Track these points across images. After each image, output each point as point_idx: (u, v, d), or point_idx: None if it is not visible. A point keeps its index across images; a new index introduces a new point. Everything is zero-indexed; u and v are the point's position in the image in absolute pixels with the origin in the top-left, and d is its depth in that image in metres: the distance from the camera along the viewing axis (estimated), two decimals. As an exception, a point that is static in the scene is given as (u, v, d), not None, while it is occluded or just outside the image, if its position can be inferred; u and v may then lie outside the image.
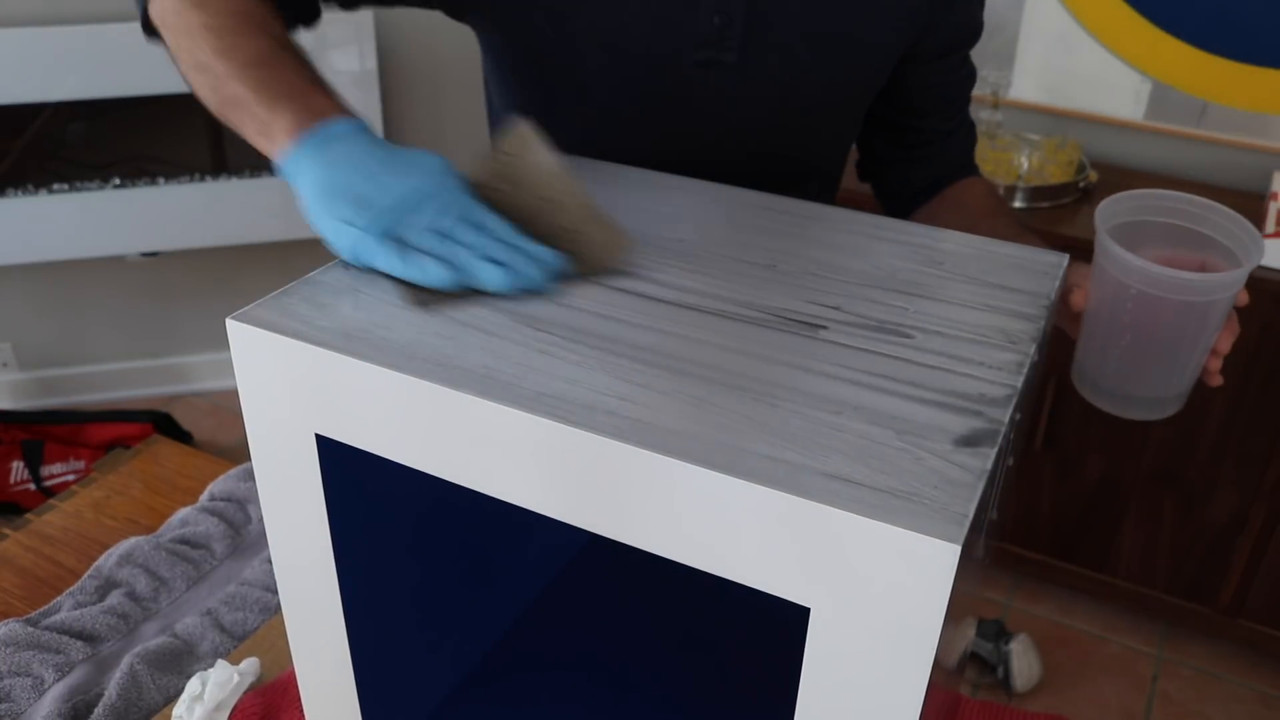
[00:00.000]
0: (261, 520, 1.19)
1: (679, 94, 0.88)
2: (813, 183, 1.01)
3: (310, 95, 0.69)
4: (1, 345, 2.50)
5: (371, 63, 2.22)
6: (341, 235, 0.62)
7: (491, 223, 0.64)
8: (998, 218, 0.96)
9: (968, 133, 1.05)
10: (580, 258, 0.64)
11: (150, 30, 0.81)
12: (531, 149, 0.68)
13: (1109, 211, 0.73)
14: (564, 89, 0.90)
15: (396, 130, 2.38)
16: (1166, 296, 0.69)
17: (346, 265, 0.64)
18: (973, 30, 0.98)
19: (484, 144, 0.66)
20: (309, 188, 0.64)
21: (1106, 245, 0.70)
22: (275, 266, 2.50)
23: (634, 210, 0.73)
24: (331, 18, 0.91)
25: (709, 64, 0.86)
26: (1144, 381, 0.76)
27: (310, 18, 0.88)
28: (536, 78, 0.91)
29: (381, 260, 0.61)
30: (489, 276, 0.60)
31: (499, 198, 0.67)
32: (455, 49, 2.16)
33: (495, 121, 1.02)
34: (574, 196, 0.67)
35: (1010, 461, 0.60)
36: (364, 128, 0.68)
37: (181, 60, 0.77)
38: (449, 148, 2.42)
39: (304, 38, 0.82)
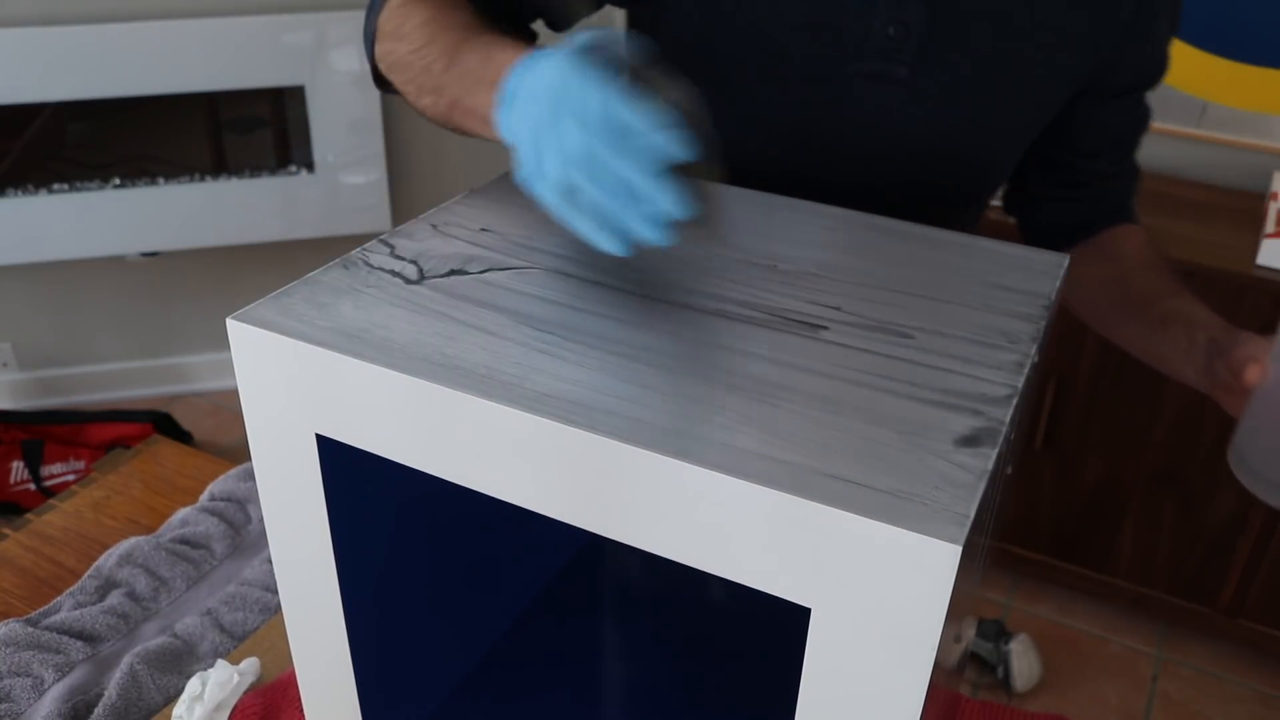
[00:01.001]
0: (261, 520, 1.19)
1: (838, 106, 0.84)
2: (966, 211, 0.94)
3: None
4: (1, 345, 2.50)
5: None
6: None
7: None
8: (1153, 271, 0.89)
9: (1132, 177, 0.97)
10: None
11: (380, 81, 0.82)
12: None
13: None
14: (719, 91, 0.85)
15: (398, 129, 2.38)
16: None
17: (346, 265, 0.64)
18: (1160, 67, 0.90)
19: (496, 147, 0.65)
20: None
21: None
22: (275, 266, 2.50)
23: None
24: (327, 19, 0.91)
25: (876, 77, 0.82)
26: None
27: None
28: (691, 77, 0.88)
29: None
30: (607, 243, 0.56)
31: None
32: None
33: None
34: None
35: (1009, 470, 0.60)
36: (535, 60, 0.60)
37: (410, 94, 0.77)
38: (453, 150, 2.42)
39: (295, 43, 0.82)
